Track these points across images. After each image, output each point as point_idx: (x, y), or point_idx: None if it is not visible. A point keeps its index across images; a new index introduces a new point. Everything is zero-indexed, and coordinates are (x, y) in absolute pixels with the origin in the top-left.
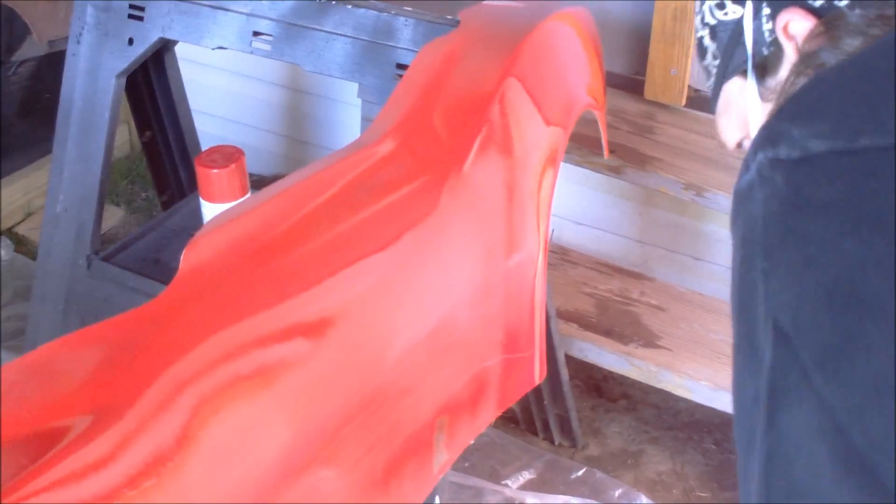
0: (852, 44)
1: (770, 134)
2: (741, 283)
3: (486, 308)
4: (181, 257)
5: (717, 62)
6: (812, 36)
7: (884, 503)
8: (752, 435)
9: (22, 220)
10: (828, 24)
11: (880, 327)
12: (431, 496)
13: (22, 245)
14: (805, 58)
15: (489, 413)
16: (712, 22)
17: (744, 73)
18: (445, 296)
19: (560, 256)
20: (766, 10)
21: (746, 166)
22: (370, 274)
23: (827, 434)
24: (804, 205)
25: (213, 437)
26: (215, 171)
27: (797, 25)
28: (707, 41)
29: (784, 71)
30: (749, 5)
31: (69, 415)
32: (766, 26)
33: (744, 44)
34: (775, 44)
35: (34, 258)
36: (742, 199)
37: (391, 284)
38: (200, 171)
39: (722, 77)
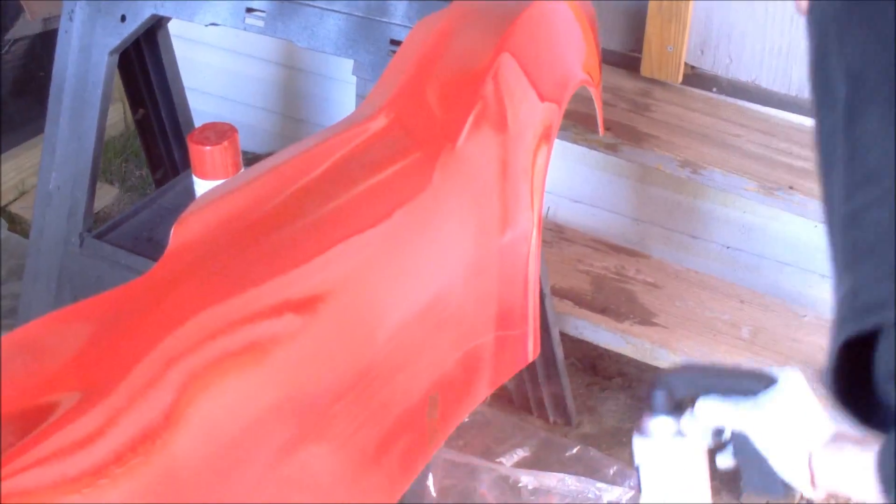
0: None
1: None
2: (817, 50)
3: (479, 285)
4: (170, 234)
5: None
6: None
7: None
8: (833, 154)
9: (15, 199)
10: None
11: None
12: (424, 473)
13: (15, 224)
14: None
15: (482, 390)
16: None
17: None
18: (438, 272)
19: (556, 234)
20: None
21: None
22: (362, 250)
23: (893, 128)
24: None
25: (202, 414)
26: (208, 148)
27: None
28: None
29: None
30: None
31: (57, 391)
32: None
33: None
34: None
35: (28, 237)
36: (811, 11)
37: (383, 261)
38: (193, 148)
39: None
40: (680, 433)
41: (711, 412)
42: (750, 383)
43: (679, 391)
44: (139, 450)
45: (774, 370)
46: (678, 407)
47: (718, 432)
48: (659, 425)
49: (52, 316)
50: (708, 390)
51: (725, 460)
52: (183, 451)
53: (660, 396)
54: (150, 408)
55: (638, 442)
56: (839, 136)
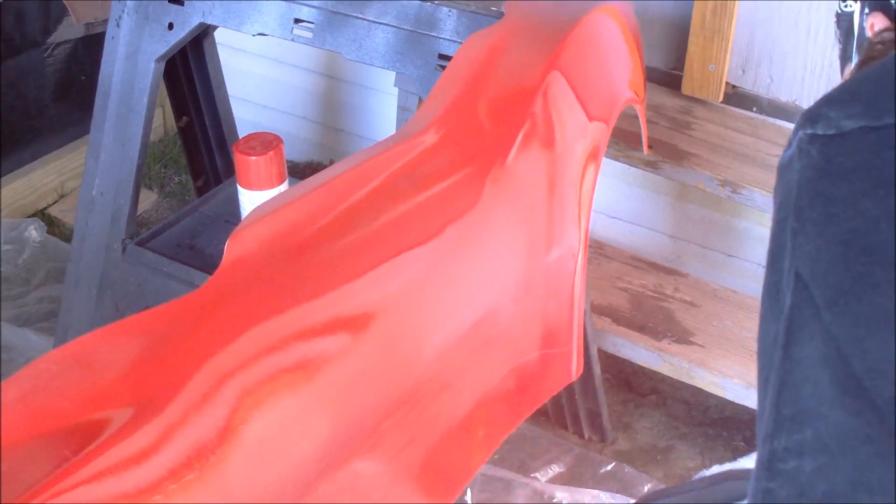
0: None
1: (811, 115)
2: (774, 240)
3: (526, 303)
4: (224, 248)
5: (839, 47)
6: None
7: (871, 420)
8: (769, 372)
9: (55, 202)
10: None
11: (886, 270)
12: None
13: (54, 227)
14: (869, 59)
15: (526, 408)
16: (839, 11)
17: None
18: (487, 290)
19: (595, 250)
20: (866, 10)
21: (789, 143)
22: (412, 267)
23: (831, 362)
24: (832, 172)
25: (255, 430)
26: (254, 158)
27: (880, 26)
28: (834, 27)
29: None
30: (858, 4)
31: (110, 407)
32: (865, 24)
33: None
34: (867, 41)
35: (67, 240)
36: (783, 170)
37: (433, 278)
38: (239, 157)
39: (842, 61)
40: None
41: None
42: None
43: None
44: (194, 466)
45: None
46: None
47: None
48: None
49: (104, 330)
50: None
51: None
52: (236, 467)
53: None
54: (204, 424)
55: None
56: (778, 352)
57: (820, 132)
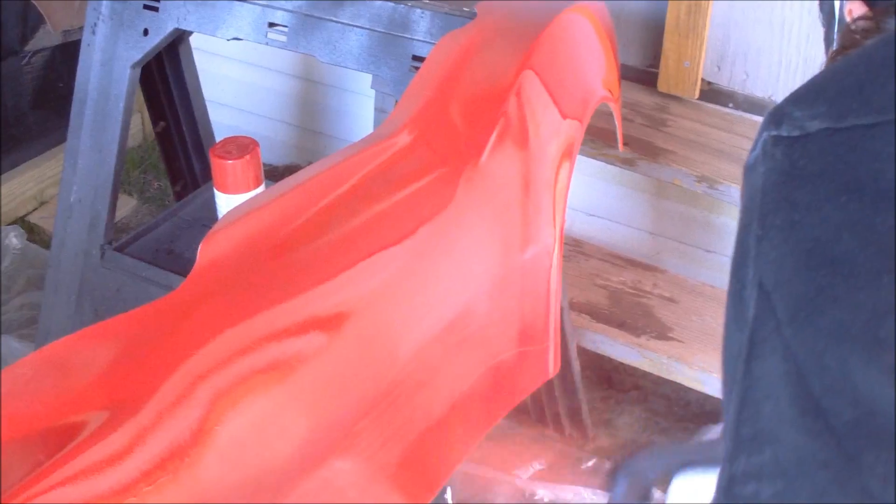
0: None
1: (776, 115)
2: (738, 246)
3: (501, 301)
4: (198, 251)
5: (823, 31)
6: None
7: (829, 443)
8: (732, 385)
9: (34, 210)
10: (876, 13)
11: (847, 283)
12: (443, 487)
13: (34, 234)
14: (848, 45)
15: (504, 405)
16: None
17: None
18: (462, 289)
19: (573, 248)
20: None
21: (754, 144)
22: (386, 267)
23: (791, 380)
24: (797, 176)
25: (230, 432)
26: (230, 161)
27: (858, 12)
28: (818, 9)
29: None
30: None
31: (85, 410)
32: (844, 9)
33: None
34: (846, 26)
35: (47, 247)
36: (748, 173)
37: (407, 278)
38: (215, 161)
39: (826, 45)
40: None
41: (691, 489)
42: None
43: (649, 474)
44: (168, 467)
45: None
46: (645, 496)
47: None
48: None
49: (79, 334)
50: (685, 466)
51: None
52: (210, 468)
53: (622, 485)
54: (178, 426)
55: None
56: (740, 365)
57: (784, 133)
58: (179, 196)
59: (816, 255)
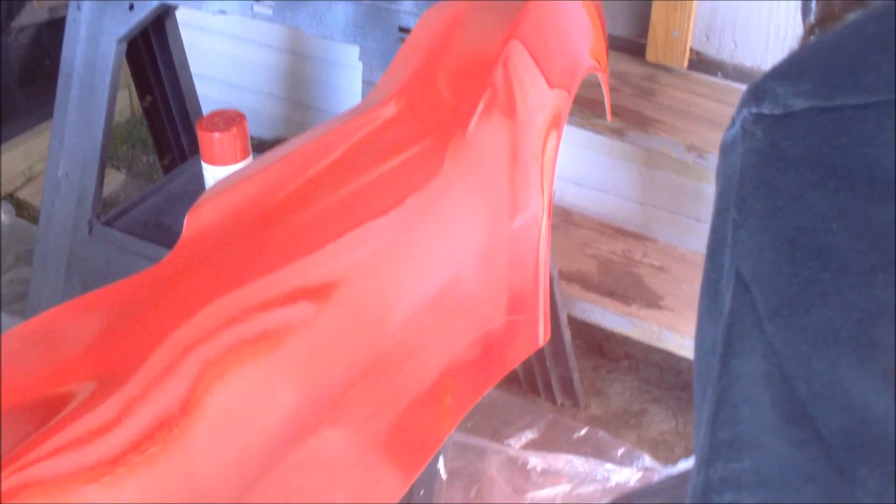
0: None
1: (756, 91)
2: (714, 232)
3: (490, 270)
4: (184, 222)
5: (801, 1)
6: None
7: (817, 454)
8: (706, 384)
9: (23, 185)
10: None
11: (837, 279)
12: (436, 456)
13: (23, 210)
14: (827, 18)
15: (494, 374)
16: None
17: None
18: (450, 258)
19: (562, 218)
20: None
21: (732, 121)
22: (374, 237)
23: (773, 383)
24: (778, 158)
25: (218, 402)
26: (217, 134)
27: None
28: None
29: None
30: None
31: (73, 381)
32: None
33: None
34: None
35: (35, 223)
36: (725, 152)
37: (395, 247)
38: (202, 134)
39: (803, 16)
40: None
41: None
42: None
43: None
44: (157, 438)
45: None
46: None
47: None
48: None
49: (66, 306)
50: None
51: None
52: (199, 438)
53: None
54: (167, 396)
55: None
56: (715, 363)
57: (766, 111)
58: (167, 170)
59: (801, 247)
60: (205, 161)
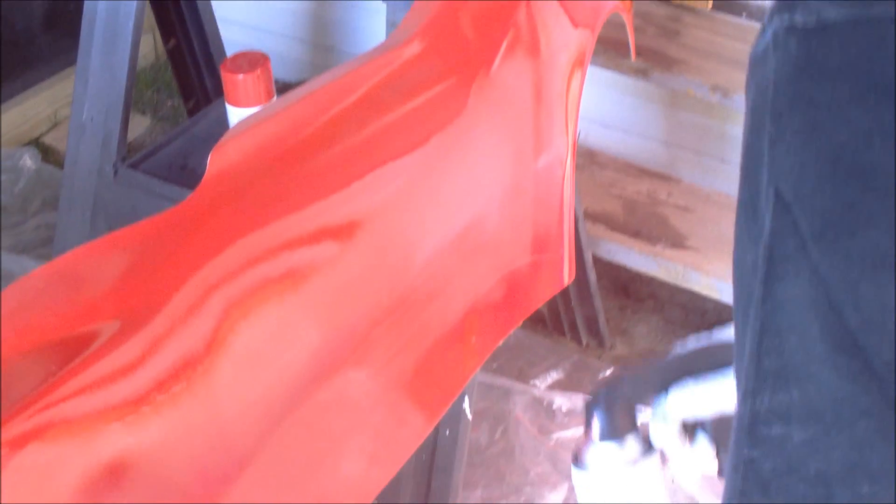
0: None
1: None
2: (748, 149)
3: (515, 209)
4: (207, 161)
5: None
6: None
7: (869, 387)
8: (748, 306)
9: (49, 130)
10: None
11: (883, 200)
12: (461, 396)
13: (49, 155)
14: None
15: (519, 314)
16: None
17: None
18: (474, 197)
19: (588, 159)
20: None
21: (762, 31)
22: (398, 176)
23: (820, 310)
24: (814, 71)
25: (243, 341)
26: (241, 76)
27: None
28: None
29: None
30: None
31: (97, 320)
32: None
33: None
34: None
35: (61, 167)
36: (756, 64)
37: (420, 186)
38: (226, 76)
39: None
40: (630, 461)
41: (687, 403)
42: (725, 354)
43: (638, 395)
44: (181, 377)
45: None
46: (624, 427)
47: (688, 430)
48: (603, 453)
49: (90, 245)
50: (678, 379)
51: (706, 459)
52: (223, 377)
53: (602, 416)
54: (191, 335)
55: (577, 476)
56: (758, 286)
57: (798, 23)
58: (192, 113)
59: (844, 165)
60: (229, 103)
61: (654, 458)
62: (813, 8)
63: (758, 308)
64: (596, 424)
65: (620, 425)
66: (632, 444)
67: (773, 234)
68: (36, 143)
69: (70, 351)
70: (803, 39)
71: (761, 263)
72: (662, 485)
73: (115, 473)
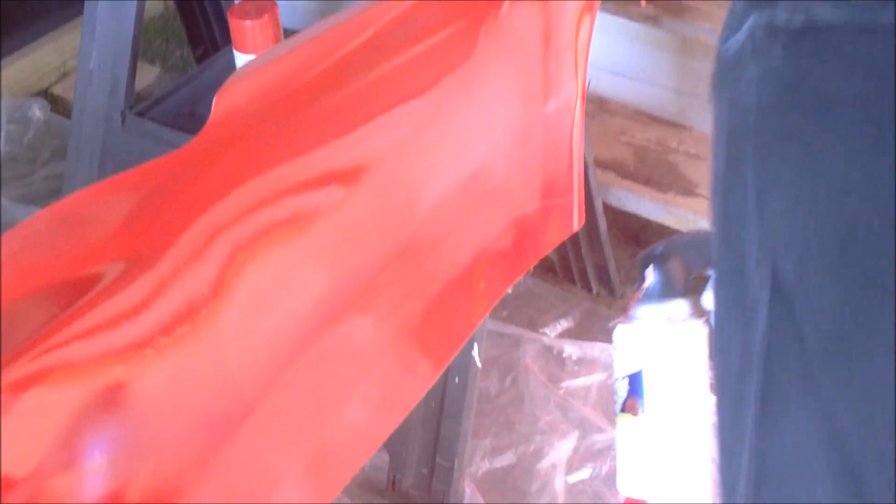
0: None
1: None
2: (726, 192)
3: (524, 154)
4: (213, 103)
5: None
6: None
7: None
8: (738, 413)
9: (58, 81)
10: None
11: None
12: (470, 344)
13: (58, 105)
14: None
15: (528, 260)
16: None
17: None
18: (483, 142)
19: (597, 106)
20: None
21: (735, 23)
22: (406, 120)
23: (825, 445)
24: (808, 95)
25: (248, 285)
26: (248, 22)
27: None
28: None
29: None
30: None
31: (101, 262)
32: None
33: None
34: None
35: (70, 118)
36: (729, 68)
37: (428, 131)
38: (234, 22)
39: None
40: (677, 318)
41: None
42: None
43: (695, 259)
44: (185, 320)
45: None
46: (676, 286)
47: None
48: (651, 307)
49: (93, 187)
50: None
51: None
52: (229, 320)
53: (656, 272)
54: (196, 278)
55: (621, 332)
56: (752, 399)
57: (782, 22)
58: (201, 61)
59: (857, 251)
60: (237, 50)
61: (701, 323)
62: (800, 5)
63: (754, 441)
64: (649, 278)
65: (673, 284)
66: (681, 304)
67: (771, 340)
68: (45, 94)
69: (73, 293)
70: (790, 45)
71: (757, 374)
72: (705, 352)
73: (118, 418)
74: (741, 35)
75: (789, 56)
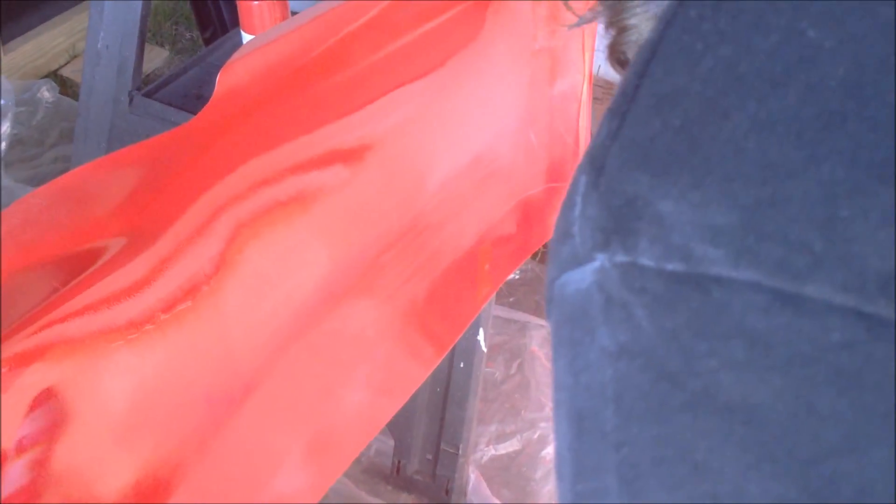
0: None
1: (612, 205)
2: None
3: (530, 135)
4: (216, 80)
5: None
6: None
7: None
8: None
9: (66, 63)
10: None
11: None
12: (475, 329)
13: (67, 87)
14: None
15: (532, 243)
16: None
17: None
18: (489, 122)
19: (605, 91)
20: None
21: (574, 241)
22: (412, 100)
23: None
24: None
25: (251, 263)
26: (256, 2)
27: None
28: None
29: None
30: None
31: (102, 237)
32: None
33: None
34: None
35: (78, 100)
36: (570, 315)
37: (433, 111)
38: (242, 3)
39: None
40: None
41: None
42: None
43: None
44: (187, 297)
45: None
46: None
47: None
48: None
49: (96, 162)
50: None
51: None
52: (230, 299)
53: None
54: (199, 255)
55: None
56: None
57: (648, 263)
58: (209, 43)
59: None
60: (245, 30)
61: None
62: (672, 236)
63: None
64: None
65: None
66: None
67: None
68: (54, 76)
69: (74, 268)
70: (663, 306)
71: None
72: None
73: (117, 393)
74: (583, 271)
75: (662, 327)
